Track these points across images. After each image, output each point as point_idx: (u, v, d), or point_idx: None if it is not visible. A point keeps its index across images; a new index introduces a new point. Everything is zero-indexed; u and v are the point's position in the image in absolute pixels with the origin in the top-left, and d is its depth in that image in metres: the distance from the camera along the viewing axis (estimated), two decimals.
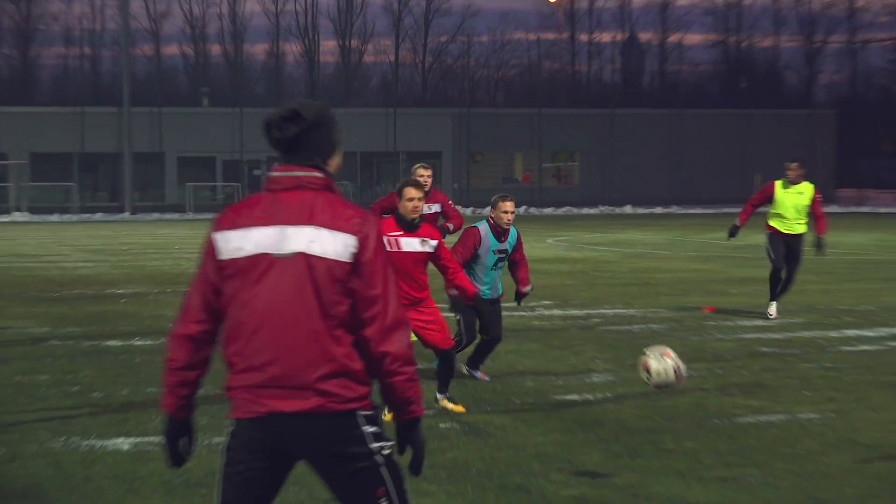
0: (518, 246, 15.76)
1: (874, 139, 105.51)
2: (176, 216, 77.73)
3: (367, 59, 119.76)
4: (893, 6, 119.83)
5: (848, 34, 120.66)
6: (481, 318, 15.26)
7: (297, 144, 6.08)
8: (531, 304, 24.69)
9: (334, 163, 6.17)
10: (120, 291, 26.96)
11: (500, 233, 15.31)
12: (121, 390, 14.82)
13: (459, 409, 13.59)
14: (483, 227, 15.26)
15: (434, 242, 13.24)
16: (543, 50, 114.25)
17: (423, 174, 17.75)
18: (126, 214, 77.11)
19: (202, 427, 12.69)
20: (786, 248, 22.16)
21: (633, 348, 18.40)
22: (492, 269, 15.37)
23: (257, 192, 6.12)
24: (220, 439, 12.09)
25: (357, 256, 5.92)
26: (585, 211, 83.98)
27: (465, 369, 15.75)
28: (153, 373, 15.16)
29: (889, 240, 48.41)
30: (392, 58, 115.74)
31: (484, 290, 15.17)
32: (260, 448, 5.96)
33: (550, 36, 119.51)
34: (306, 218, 5.95)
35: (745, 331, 20.39)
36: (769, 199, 22.30)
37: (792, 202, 22.11)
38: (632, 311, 23.11)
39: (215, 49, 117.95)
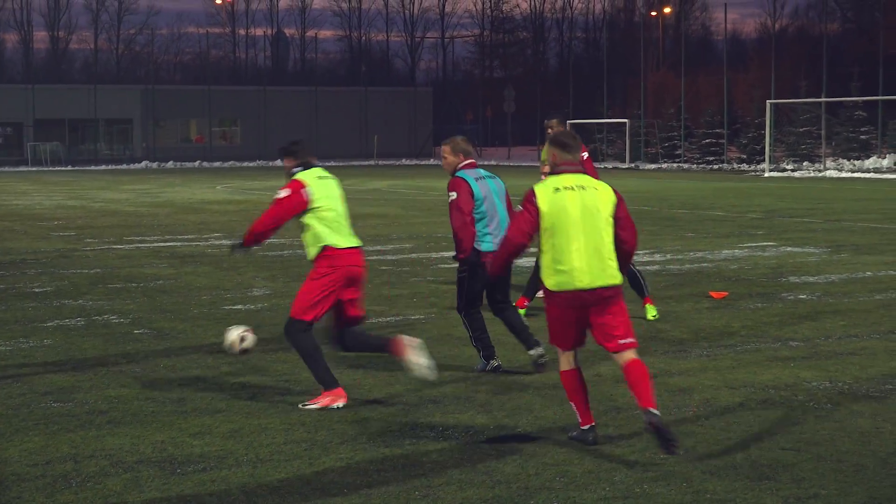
0: None
1: (461, 110, 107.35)
2: None
3: (73, 46, 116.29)
4: (472, 12, 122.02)
5: (440, 32, 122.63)
6: None
7: None
8: (204, 234, 24.28)
9: None
10: None
11: None
12: None
13: None
14: None
15: None
16: (211, 41, 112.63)
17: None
18: None
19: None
20: None
21: (285, 268, 18.27)
22: None
23: None
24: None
25: None
26: (246, 164, 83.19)
27: None
28: None
29: None
30: (92, 45, 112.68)
31: None
32: None
33: (217, 30, 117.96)
34: None
35: (369, 255, 20.27)
36: None
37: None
38: (284, 241, 22.92)
39: None
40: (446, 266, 18.45)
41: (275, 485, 7.11)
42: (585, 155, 12.10)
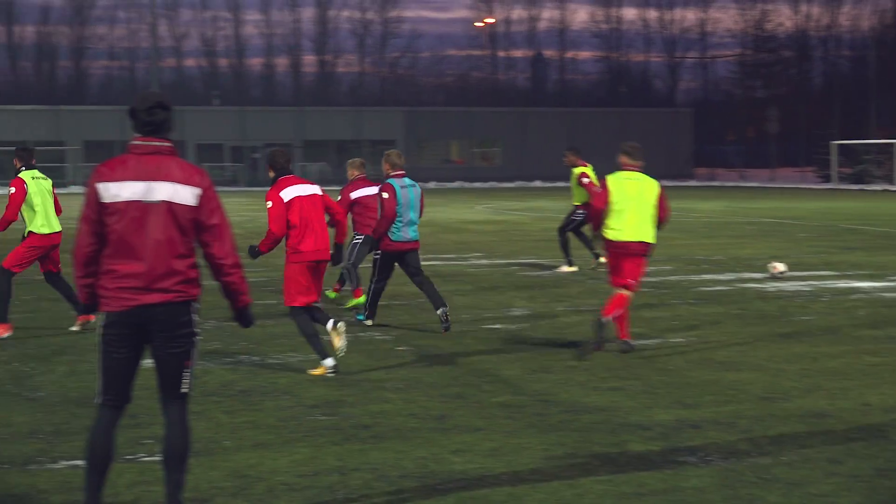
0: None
1: (722, 130, 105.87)
2: None
3: (339, 69, 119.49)
4: (734, 30, 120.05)
5: (700, 52, 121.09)
6: None
7: (162, 125, 6.47)
8: (465, 254, 24.58)
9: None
10: None
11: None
12: None
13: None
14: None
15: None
16: (472, 63, 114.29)
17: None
18: None
19: (215, 350, 12.53)
20: None
21: (543, 289, 18.34)
22: None
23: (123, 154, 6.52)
24: (229, 359, 11.94)
25: (200, 199, 6.45)
26: (506, 185, 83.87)
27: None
28: None
29: (733, 206, 48.53)
30: (358, 69, 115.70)
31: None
32: (130, 333, 6.40)
33: (477, 52, 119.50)
34: (164, 175, 6.39)
35: None
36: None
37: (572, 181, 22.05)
38: (541, 261, 23.01)
39: (223, 62, 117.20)
40: (708, 289, 18.20)
41: None
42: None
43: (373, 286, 14.28)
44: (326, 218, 11.78)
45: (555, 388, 10.57)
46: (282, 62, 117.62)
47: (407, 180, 14.17)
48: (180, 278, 6.37)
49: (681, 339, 13.40)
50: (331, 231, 11.82)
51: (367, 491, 7.40)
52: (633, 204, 12.43)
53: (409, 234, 14.03)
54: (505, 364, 11.80)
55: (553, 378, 11.05)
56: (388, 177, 14.13)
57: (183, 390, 6.52)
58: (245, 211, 44.65)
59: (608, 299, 12.46)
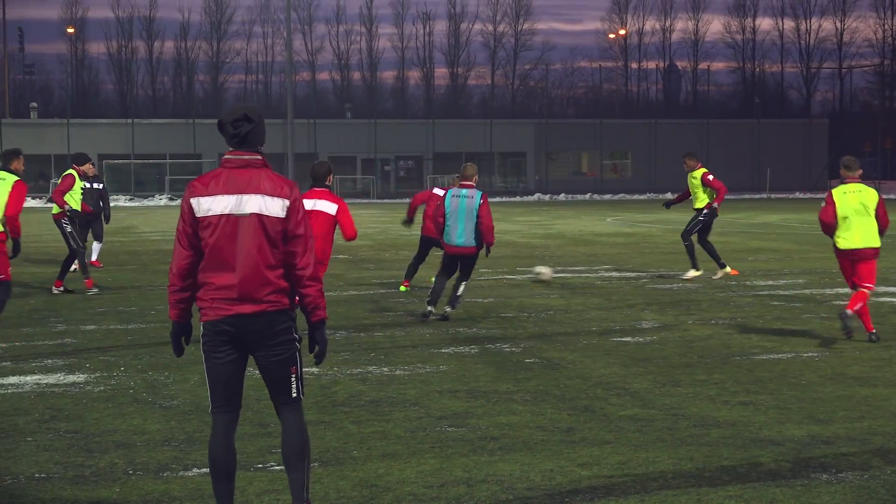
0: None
1: (859, 141, 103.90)
2: None
3: (471, 82, 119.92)
4: (871, 40, 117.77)
5: (837, 62, 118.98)
6: None
7: (247, 138, 6.57)
8: (594, 266, 24.47)
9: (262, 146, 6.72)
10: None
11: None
12: None
13: None
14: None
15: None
16: (604, 75, 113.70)
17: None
18: None
19: (345, 360, 12.65)
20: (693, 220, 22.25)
21: (674, 302, 18.19)
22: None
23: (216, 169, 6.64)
24: (359, 370, 12.05)
25: (288, 211, 6.52)
26: (636, 197, 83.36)
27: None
28: None
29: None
30: (489, 81, 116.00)
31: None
32: (228, 339, 6.52)
33: (609, 64, 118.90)
34: (254, 188, 6.50)
35: (760, 289, 20.07)
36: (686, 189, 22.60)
37: (690, 184, 22.16)
38: (671, 273, 22.81)
39: (356, 75, 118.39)
40: (842, 303, 17.87)
41: None
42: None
43: (434, 279, 16.56)
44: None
45: (684, 402, 10.47)
46: (414, 75, 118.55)
47: (464, 191, 15.92)
48: (272, 288, 6.48)
49: (814, 354, 13.18)
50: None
51: (494, 502, 7.41)
52: (856, 213, 14.03)
53: (455, 239, 15.94)
54: (633, 377, 11.72)
55: (682, 392, 10.95)
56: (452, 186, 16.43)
57: (293, 395, 6.66)
58: (375, 223, 44.99)
59: (852, 296, 13.92)
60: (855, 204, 14.06)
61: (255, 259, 6.45)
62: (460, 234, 15.82)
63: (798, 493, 7.58)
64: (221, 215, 6.45)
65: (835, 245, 14.25)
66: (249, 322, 6.47)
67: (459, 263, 16.11)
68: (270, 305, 6.48)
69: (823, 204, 14.28)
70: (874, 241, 14.08)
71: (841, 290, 19.48)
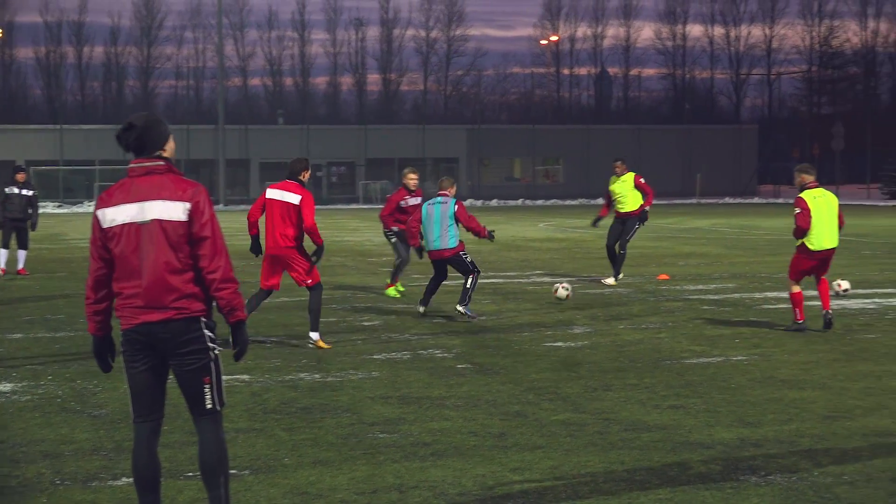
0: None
1: (787, 147, 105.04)
2: None
3: (403, 87, 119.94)
4: (799, 47, 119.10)
5: (766, 69, 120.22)
6: None
7: (140, 145, 6.51)
8: (526, 272, 24.55)
9: (169, 148, 6.62)
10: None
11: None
12: None
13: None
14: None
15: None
16: (536, 81, 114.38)
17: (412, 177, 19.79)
18: (220, 206, 77.02)
19: (276, 367, 12.59)
20: (621, 226, 22.24)
21: (606, 307, 18.28)
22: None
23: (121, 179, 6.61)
24: (290, 376, 11.99)
25: (190, 214, 6.41)
26: (568, 202, 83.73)
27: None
28: None
29: None
30: (422, 87, 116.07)
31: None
32: (141, 347, 6.49)
33: (541, 70, 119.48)
34: (156, 194, 6.44)
35: (690, 293, 20.22)
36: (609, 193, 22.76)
37: (618, 189, 22.32)
38: (603, 279, 22.92)
39: (288, 81, 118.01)
40: (771, 307, 18.05)
41: None
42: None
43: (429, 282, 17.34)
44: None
45: (615, 406, 10.52)
46: (346, 81, 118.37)
47: (439, 198, 17.00)
48: (178, 294, 6.40)
49: (743, 357, 13.29)
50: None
51: None
52: (825, 217, 15.02)
53: (431, 243, 16.86)
54: (565, 382, 11.76)
55: (613, 396, 11.00)
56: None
57: (207, 406, 6.54)
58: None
59: (821, 296, 15.43)
60: (824, 207, 15.07)
61: (158, 265, 6.38)
62: (435, 238, 16.76)
63: (728, 495, 7.64)
64: (124, 224, 6.43)
65: (804, 246, 15.13)
66: (158, 330, 6.41)
67: (447, 266, 17.01)
68: (178, 313, 6.39)
69: (798, 210, 14.98)
70: (836, 242, 15.26)
71: (770, 294, 19.68)
